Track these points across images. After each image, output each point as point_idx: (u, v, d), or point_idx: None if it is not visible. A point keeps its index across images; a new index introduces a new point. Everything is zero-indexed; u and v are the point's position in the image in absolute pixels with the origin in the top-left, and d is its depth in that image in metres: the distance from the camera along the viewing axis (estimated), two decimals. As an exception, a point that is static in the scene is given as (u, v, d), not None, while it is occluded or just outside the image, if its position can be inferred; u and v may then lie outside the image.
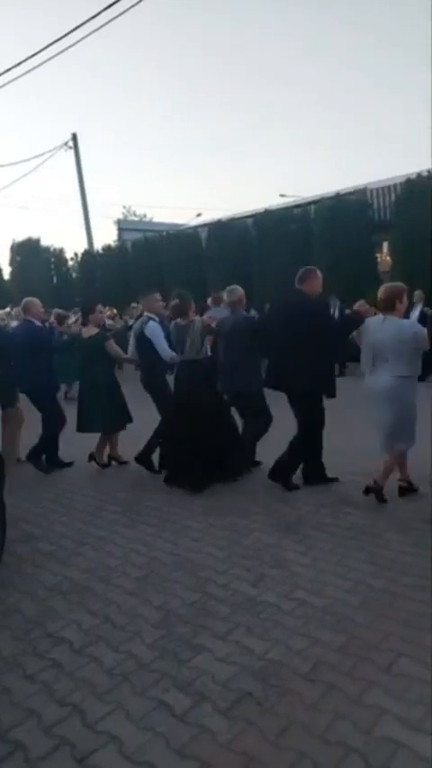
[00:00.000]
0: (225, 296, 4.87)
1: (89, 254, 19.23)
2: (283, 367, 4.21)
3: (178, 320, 4.63)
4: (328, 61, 74.76)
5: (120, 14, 9.87)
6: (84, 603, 2.77)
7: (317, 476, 4.32)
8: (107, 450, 5.26)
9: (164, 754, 1.78)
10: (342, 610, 2.55)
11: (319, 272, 4.32)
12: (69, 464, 5.30)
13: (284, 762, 1.72)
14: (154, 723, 1.92)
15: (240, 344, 4.54)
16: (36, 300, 5.54)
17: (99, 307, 5.34)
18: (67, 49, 11.78)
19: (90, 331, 5.10)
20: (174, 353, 4.66)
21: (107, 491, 4.54)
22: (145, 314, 5.01)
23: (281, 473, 4.26)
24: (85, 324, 5.22)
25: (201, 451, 4.34)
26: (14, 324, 9.38)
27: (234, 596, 2.73)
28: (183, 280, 15.26)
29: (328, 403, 4.28)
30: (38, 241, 19.56)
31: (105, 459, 5.25)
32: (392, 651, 2.21)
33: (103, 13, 9.64)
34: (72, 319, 10.24)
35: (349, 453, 5.11)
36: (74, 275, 20.13)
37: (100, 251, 19.07)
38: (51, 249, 19.92)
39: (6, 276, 20.41)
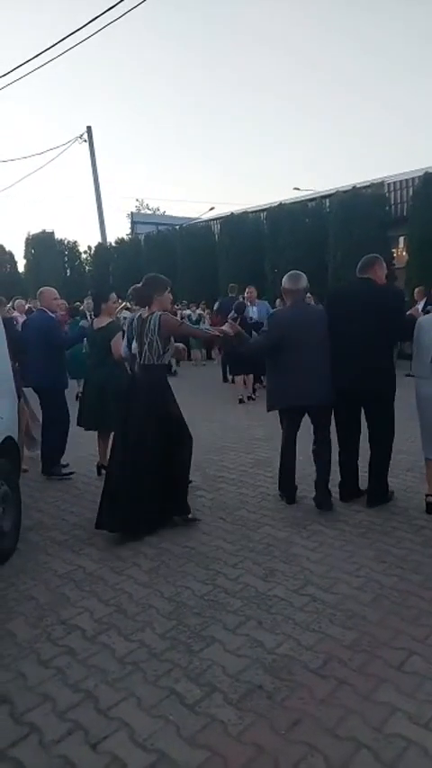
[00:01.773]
0: (288, 283, 3.81)
1: (102, 247, 19.29)
2: (358, 366, 3.56)
3: (141, 312, 3.63)
4: (346, 53, 73.86)
5: (135, 6, 9.83)
6: (96, 592, 2.80)
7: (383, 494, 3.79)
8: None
9: (175, 743, 1.81)
10: (353, 606, 2.55)
11: (383, 261, 3.81)
12: (69, 475, 4.78)
13: (294, 755, 1.73)
14: (165, 712, 1.94)
15: (316, 344, 3.66)
16: (51, 290, 5.09)
17: (113, 296, 4.73)
18: (82, 41, 11.86)
19: (101, 321, 4.60)
20: (126, 351, 3.92)
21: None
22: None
23: (378, 497, 3.74)
24: (96, 314, 4.78)
25: (146, 490, 3.42)
26: (15, 315, 9.39)
27: (245, 590, 2.75)
28: (195, 273, 15.31)
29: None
30: (52, 234, 19.70)
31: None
32: (404, 649, 2.22)
33: (118, 5, 9.65)
34: (82, 306, 10.22)
35: (361, 452, 5.10)
36: (87, 268, 20.24)
37: (113, 244, 19.13)
38: (65, 242, 20.06)
39: (21, 269, 20.56)
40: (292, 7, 73.89)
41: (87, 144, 19.27)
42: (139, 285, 3.67)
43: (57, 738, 1.85)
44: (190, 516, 3.60)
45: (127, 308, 7.88)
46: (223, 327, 3.84)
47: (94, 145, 19.26)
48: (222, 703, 1.97)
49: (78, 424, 4.68)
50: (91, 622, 2.53)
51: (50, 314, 4.96)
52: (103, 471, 4.51)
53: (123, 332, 4.44)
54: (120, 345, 4.38)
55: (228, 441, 5.76)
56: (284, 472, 3.93)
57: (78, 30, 11.10)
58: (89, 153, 19.34)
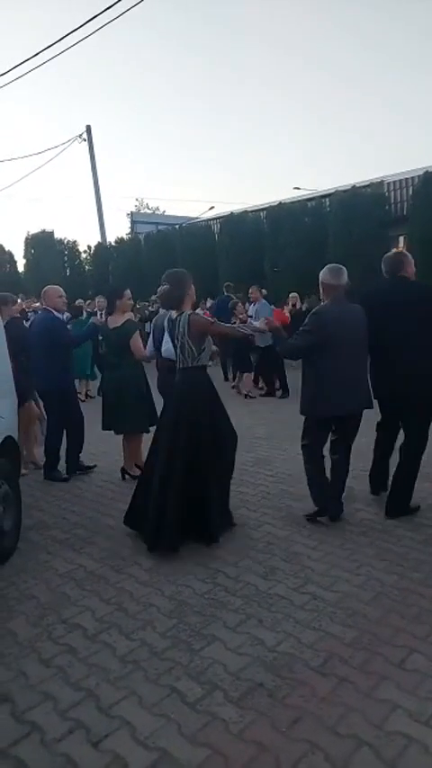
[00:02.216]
0: (329, 278, 3.45)
1: (102, 246, 19.29)
2: (401, 370, 3.34)
3: (171, 313, 3.46)
4: (346, 51, 73.84)
5: (134, 5, 9.81)
6: (97, 591, 2.80)
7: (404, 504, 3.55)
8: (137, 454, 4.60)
9: (176, 741, 1.81)
10: (353, 604, 2.56)
11: (410, 256, 3.61)
12: (66, 479, 4.70)
13: (295, 753, 1.74)
14: (166, 710, 1.95)
15: (360, 346, 3.38)
16: (56, 288, 4.87)
17: (128, 292, 4.50)
18: (81, 41, 11.82)
19: (117, 320, 4.40)
20: (151, 351, 3.89)
21: (118, 482, 4.57)
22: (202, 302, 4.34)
23: (399, 508, 3.52)
24: (111, 312, 4.51)
25: (175, 501, 3.17)
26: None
27: (245, 588, 2.75)
28: (195, 273, 15.27)
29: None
30: (51, 234, 19.68)
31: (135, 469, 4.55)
32: (404, 647, 2.22)
33: (117, 5, 9.64)
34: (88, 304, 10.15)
35: (360, 450, 5.10)
36: (87, 268, 20.22)
37: (113, 243, 19.12)
38: (65, 242, 20.03)
39: (21, 268, 20.55)
40: (292, 5, 73.90)
41: (87, 143, 19.28)
42: (166, 287, 3.43)
43: (58, 737, 1.85)
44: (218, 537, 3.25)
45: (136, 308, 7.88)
46: (257, 325, 3.56)
47: (94, 144, 19.28)
48: (223, 701, 1.98)
49: (104, 428, 4.54)
50: (92, 621, 2.54)
51: (56, 314, 4.77)
52: (127, 476, 4.54)
53: (140, 330, 4.47)
54: (140, 345, 4.35)
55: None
56: (319, 486, 3.55)
57: (77, 29, 11.10)
58: (88, 152, 19.36)
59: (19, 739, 1.85)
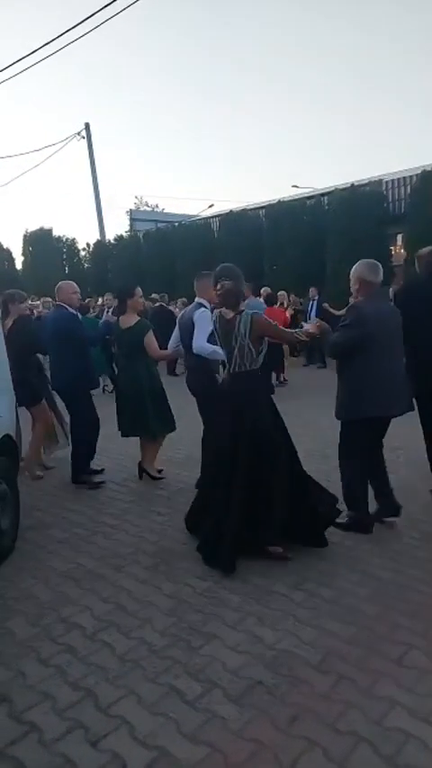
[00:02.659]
0: (366, 274, 3.25)
1: (101, 244, 19.27)
2: None
3: (223, 311, 3.19)
4: (345, 50, 73.67)
5: (133, 3, 9.78)
6: (96, 590, 2.80)
7: None
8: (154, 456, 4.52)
9: (175, 739, 1.81)
10: (351, 601, 2.56)
11: None
12: (100, 472, 4.64)
13: (295, 750, 1.74)
14: (165, 708, 1.95)
15: (399, 344, 3.26)
16: (70, 283, 4.67)
17: (138, 290, 4.36)
18: (81, 37, 11.78)
19: (129, 320, 4.27)
20: (212, 348, 3.60)
21: (117, 481, 4.57)
22: (196, 299, 4.09)
23: None
24: (122, 312, 4.35)
25: (265, 510, 2.99)
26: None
27: (244, 586, 2.75)
28: (194, 271, 15.26)
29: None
30: (50, 231, 19.67)
31: (156, 470, 4.52)
32: (403, 643, 2.22)
33: (116, 2, 9.63)
34: (99, 302, 10.04)
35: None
36: (86, 265, 20.20)
37: (112, 241, 19.10)
38: (64, 239, 20.02)
39: (19, 266, 20.53)
40: (292, 3, 73.68)
41: (86, 141, 19.26)
42: (227, 283, 3.12)
43: (57, 737, 1.85)
44: (278, 551, 3.00)
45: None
46: (308, 329, 3.29)
47: (93, 141, 19.25)
48: (222, 699, 1.98)
49: (125, 435, 4.43)
50: (91, 620, 2.54)
51: (70, 309, 4.53)
52: (145, 475, 4.45)
53: (153, 329, 4.33)
54: (156, 344, 4.23)
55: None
56: (365, 498, 3.33)
57: (76, 26, 11.07)
58: (87, 150, 19.34)
59: (17, 739, 1.85)
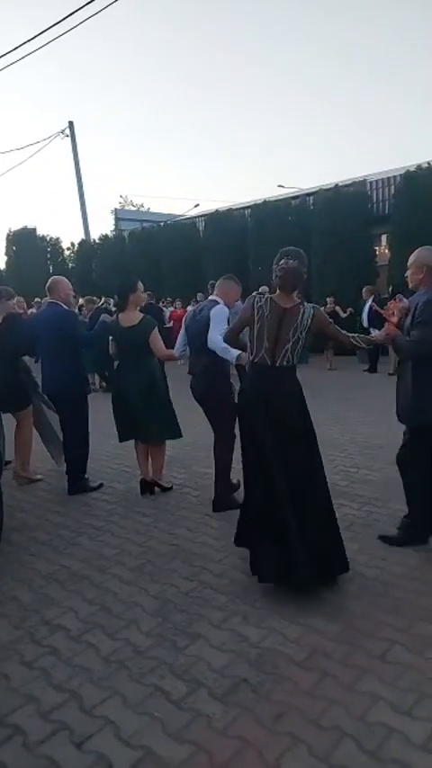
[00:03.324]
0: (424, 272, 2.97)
1: (86, 243, 19.15)
2: None
3: (274, 298, 2.82)
4: (329, 52, 74.16)
5: (115, 0, 9.73)
6: (80, 592, 2.79)
7: None
8: (155, 464, 4.22)
9: (160, 739, 1.81)
10: (336, 599, 2.58)
11: None
12: (99, 486, 4.38)
13: (279, 746, 1.75)
14: (150, 708, 1.95)
15: None
16: (64, 280, 4.42)
17: (140, 285, 4.05)
18: (63, 34, 11.71)
19: (131, 317, 3.95)
20: (224, 345, 3.32)
21: (103, 482, 4.54)
22: (210, 296, 3.84)
23: None
24: (122, 309, 4.03)
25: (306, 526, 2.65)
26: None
27: (230, 585, 2.76)
28: (180, 270, 15.28)
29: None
30: (34, 230, 19.49)
31: (149, 477, 4.20)
32: (387, 639, 2.25)
33: (98, 0, 9.57)
34: (100, 302, 9.84)
35: (344, 445, 5.16)
36: (70, 265, 20.05)
37: (97, 241, 18.99)
38: (48, 238, 19.84)
39: (2, 266, 20.32)
40: (278, 6, 73.96)
41: (69, 139, 19.11)
42: (293, 262, 2.77)
43: (41, 739, 1.84)
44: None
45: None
46: (377, 337, 3.10)
47: (77, 140, 19.12)
48: (208, 698, 1.98)
49: (122, 440, 4.14)
50: (75, 622, 2.52)
51: (65, 307, 4.31)
52: (148, 491, 4.12)
53: (156, 326, 3.98)
54: (161, 343, 3.93)
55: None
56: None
57: (59, 22, 10.99)
58: (71, 148, 19.19)
59: (1, 743, 1.83)
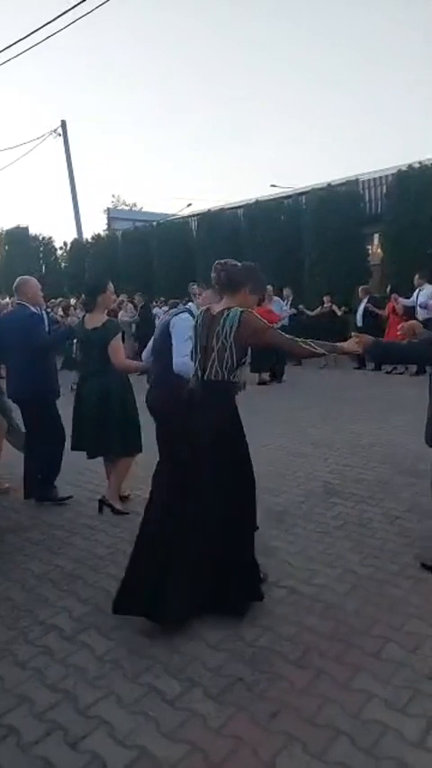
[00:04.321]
0: None
1: (78, 243, 19.08)
2: None
3: (211, 305, 2.66)
4: (322, 52, 74.36)
5: (107, 0, 9.69)
6: (74, 591, 2.78)
7: None
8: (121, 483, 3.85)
9: (155, 738, 1.81)
10: (330, 597, 2.59)
11: None
12: (67, 498, 4.07)
13: (274, 745, 1.75)
14: (145, 708, 1.94)
15: None
16: (32, 279, 4.13)
17: (111, 286, 3.76)
18: (55, 33, 11.66)
19: (96, 319, 3.65)
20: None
21: (95, 482, 4.52)
22: (183, 302, 3.55)
23: None
24: (90, 309, 3.75)
25: (196, 558, 2.40)
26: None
27: (224, 584, 2.75)
28: (172, 270, 15.26)
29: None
30: (26, 229, 19.40)
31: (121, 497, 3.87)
32: (381, 637, 2.26)
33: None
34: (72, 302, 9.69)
35: (337, 444, 5.17)
36: (63, 264, 19.98)
37: (89, 240, 18.93)
38: (40, 238, 19.76)
39: (-6, 265, 20.18)
40: (270, 7, 74.04)
41: (62, 139, 19.03)
42: (231, 264, 2.62)
43: (35, 739, 1.83)
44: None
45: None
46: (346, 347, 2.73)
47: (69, 139, 19.05)
48: (202, 697, 1.98)
49: (74, 449, 3.79)
50: (69, 622, 2.51)
51: (33, 309, 4.03)
52: (107, 509, 3.71)
53: (123, 333, 3.80)
54: (121, 351, 3.62)
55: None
56: None
57: (50, 22, 10.94)
58: (64, 148, 19.12)
59: (-5, 743, 1.82)
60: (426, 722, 1.80)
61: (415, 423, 3.72)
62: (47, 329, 4.13)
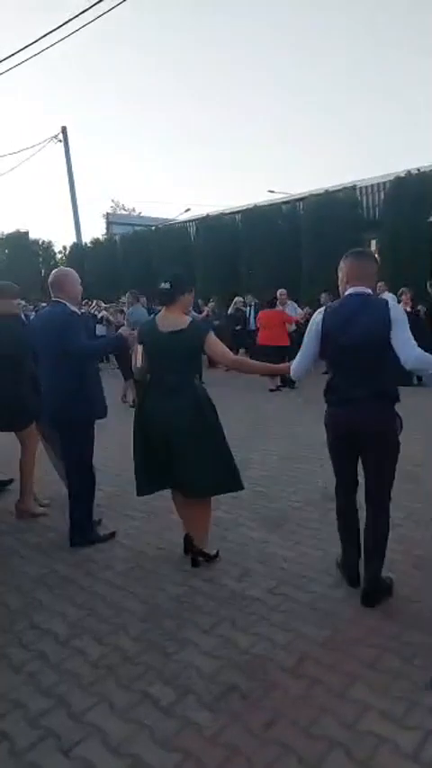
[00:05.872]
0: None
1: (78, 247, 19.10)
2: None
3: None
4: (320, 59, 74.89)
5: (111, 9, 9.75)
6: (69, 596, 2.76)
7: None
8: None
9: (149, 747, 1.79)
10: (326, 605, 2.57)
11: None
12: (111, 534, 3.45)
13: (269, 755, 1.73)
14: (139, 715, 1.92)
15: None
16: (72, 272, 3.44)
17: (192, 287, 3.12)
18: (58, 42, 11.70)
19: (177, 321, 2.89)
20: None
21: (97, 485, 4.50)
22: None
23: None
24: (168, 306, 2.95)
25: None
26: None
27: (219, 591, 2.74)
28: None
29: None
30: (26, 234, 19.45)
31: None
32: (377, 647, 2.24)
33: (93, 7, 9.60)
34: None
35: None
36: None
37: (89, 244, 18.95)
38: (40, 242, 19.82)
39: (-7, 268, 20.20)
40: (271, 12, 74.50)
41: (63, 144, 19.06)
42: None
43: (28, 746, 1.81)
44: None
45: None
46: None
47: (70, 145, 19.08)
48: (197, 705, 1.96)
49: (148, 492, 3.09)
50: (64, 626, 2.49)
51: (72, 308, 3.31)
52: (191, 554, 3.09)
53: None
54: (223, 347, 2.96)
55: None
56: None
57: (53, 31, 10.99)
58: (64, 153, 19.14)
59: (-13, 750, 1.80)
60: (422, 734, 1.78)
61: (413, 428, 3.71)
62: (87, 333, 3.47)
